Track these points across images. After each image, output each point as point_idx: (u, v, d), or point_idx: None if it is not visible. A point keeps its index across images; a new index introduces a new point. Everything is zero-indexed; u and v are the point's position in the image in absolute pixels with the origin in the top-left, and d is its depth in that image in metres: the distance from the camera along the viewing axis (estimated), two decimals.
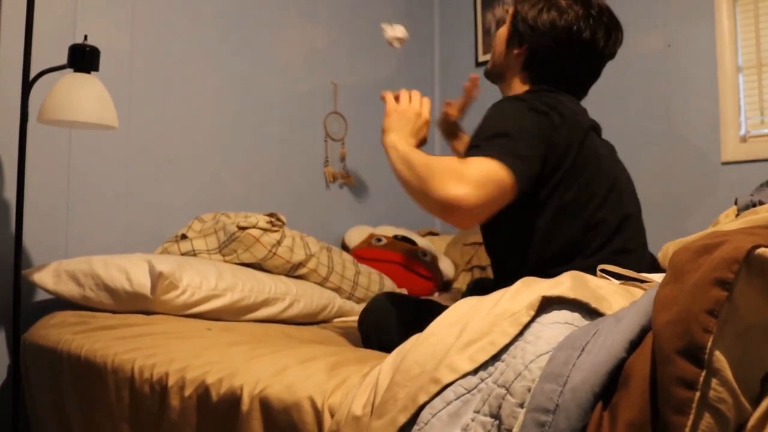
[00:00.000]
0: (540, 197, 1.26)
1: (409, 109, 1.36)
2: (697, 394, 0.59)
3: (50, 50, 1.71)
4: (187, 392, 1.10)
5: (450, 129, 1.86)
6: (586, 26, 1.36)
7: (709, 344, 0.59)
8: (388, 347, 1.01)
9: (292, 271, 1.85)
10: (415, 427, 0.75)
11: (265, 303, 1.67)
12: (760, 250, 0.61)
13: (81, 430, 1.35)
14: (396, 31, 1.60)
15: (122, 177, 1.99)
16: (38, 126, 1.68)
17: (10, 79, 1.70)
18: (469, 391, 0.75)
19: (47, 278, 1.63)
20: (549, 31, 1.37)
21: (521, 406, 0.70)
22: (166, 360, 1.19)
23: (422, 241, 2.50)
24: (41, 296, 1.80)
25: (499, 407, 0.71)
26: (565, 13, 1.36)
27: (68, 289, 1.61)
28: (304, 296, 1.76)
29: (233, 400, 1.02)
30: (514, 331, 0.78)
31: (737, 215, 1.24)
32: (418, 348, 0.84)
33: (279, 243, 1.81)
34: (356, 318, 1.58)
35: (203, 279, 1.59)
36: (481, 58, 2.97)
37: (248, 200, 2.28)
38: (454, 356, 0.78)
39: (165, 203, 2.08)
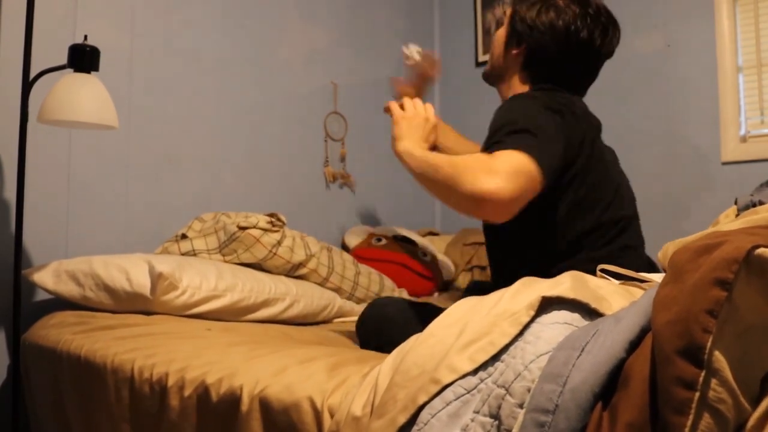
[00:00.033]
0: (554, 193, 1.25)
1: (417, 116, 1.38)
2: (697, 394, 0.59)
3: (50, 50, 1.71)
4: (187, 392, 1.10)
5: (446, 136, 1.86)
6: (584, 26, 1.37)
7: (709, 344, 0.59)
8: (387, 351, 1.01)
9: (293, 272, 1.85)
10: (415, 428, 0.75)
11: (265, 303, 1.67)
12: (760, 251, 0.61)
13: (81, 430, 1.35)
14: (413, 53, 1.82)
15: (122, 177, 1.99)
16: (38, 126, 1.68)
17: (10, 79, 1.70)
18: (468, 392, 0.75)
19: (47, 278, 1.63)
20: (548, 31, 1.38)
21: (521, 406, 0.70)
22: (165, 360, 1.19)
23: (422, 241, 2.50)
24: (41, 296, 1.80)
25: (499, 407, 0.71)
26: (564, 12, 1.37)
27: (68, 289, 1.61)
28: (304, 296, 1.76)
29: (233, 400, 1.02)
30: (514, 331, 0.78)
31: (737, 215, 1.23)
32: (417, 348, 0.84)
33: (279, 243, 1.81)
34: (356, 318, 1.58)
35: (203, 279, 1.59)
36: (481, 58, 2.97)
37: (248, 200, 2.28)
38: (453, 356, 0.78)
39: (165, 203, 2.08)
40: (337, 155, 2.63)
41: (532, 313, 0.79)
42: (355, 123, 2.68)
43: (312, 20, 2.58)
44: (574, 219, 1.30)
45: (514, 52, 1.44)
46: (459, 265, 2.52)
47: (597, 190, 1.32)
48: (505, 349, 0.76)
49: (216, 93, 2.24)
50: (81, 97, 1.49)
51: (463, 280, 2.48)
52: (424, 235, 2.70)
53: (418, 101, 1.42)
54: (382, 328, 1.32)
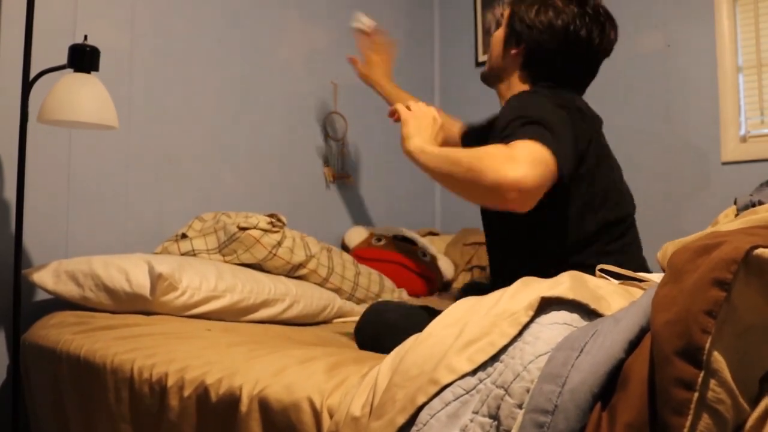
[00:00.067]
0: (563, 192, 1.25)
1: (426, 115, 1.38)
2: (696, 395, 0.59)
3: (50, 50, 1.71)
4: (187, 392, 1.10)
5: (378, 77, 2.14)
6: (583, 25, 1.38)
7: (708, 345, 0.59)
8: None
9: (292, 272, 1.85)
10: (414, 428, 0.75)
11: (265, 304, 1.67)
12: (759, 251, 0.61)
13: (80, 430, 1.35)
14: (361, 19, 2.11)
15: (122, 177, 1.99)
16: (38, 126, 1.68)
17: (10, 79, 1.70)
18: (467, 392, 0.75)
19: (47, 278, 1.63)
20: (547, 30, 1.38)
21: (520, 406, 0.70)
22: (165, 360, 1.19)
23: (422, 241, 2.50)
24: (41, 296, 1.80)
25: (498, 408, 0.71)
26: (562, 12, 1.38)
27: (68, 289, 1.61)
28: (303, 297, 1.76)
29: (232, 400, 1.02)
30: (513, 331, 0.78)
31: (736, 215, 1.24)
32: (416, 348, 0.84)
33: (279, 244, 1.81)
34: (356, 318, 1.57)
35: (203, 280, 1.59)
36: (481, 58, 2.97)
37: (248, 200, 2.28)
38: (452, 357, 0.78)
39: (165, 203, 2.08)
40: (337, 155, 2.63)
41: (531, 313, 0.79)
42: (355, 123, 2.68)
43: (312, 20, 2.58)
44: (582, 218, 1.30)
45: (513, 51, 1.45)
46: (459, 265, 2.52)
47: (604, 187, 1.33)
48: (504, 349, 0.77)
49: (216, 93, 2.24)
50: (81, 97, 1.49)
51: (462, 280, 2.48)
52: (424, 235, 2.70)
53: (422, 103, 1.44)
54: (380, 334, 1.32)
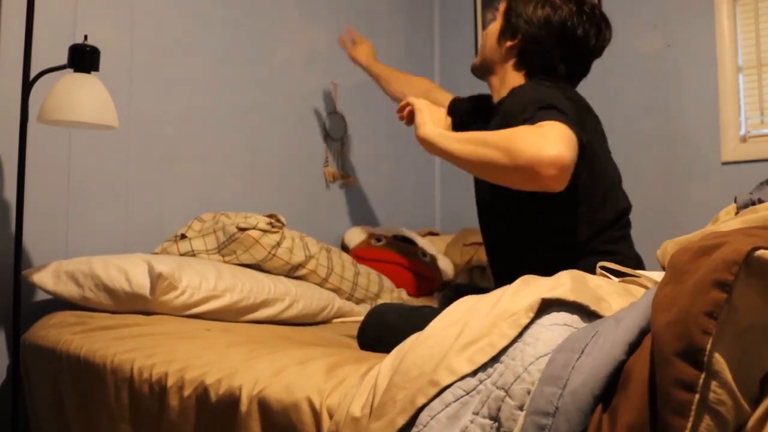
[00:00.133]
0: (568, 190, 1.25)
1: (438, 108, 1.40)
2: (697, 396, 0.59)
3: (50, 50, 1.71)
4: (186, 392, 1.10)
5: (365, 56, 2.21)
6: (579, 23, 1.39)
7: (709, 346, 0.59)
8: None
9: (292, 272, 1.85)
10: (414, 429, 0.75)
11: (265, 304, 1.67)
12: (760, 252, 0.61)
13: (80, 430, 1.35)
14: None
15: (122, 177, 1.99)
16: (38, 126, 1.68)
17: (10, 79, 1.70)
18: (467, 393, 0.75)
19: (47, 279, 1.63)
20: (543, 26, 1.40)
21: (520, 408, 0.70)
22: (165, 360, 1.19)
23: (422, 241, 2.50)
24: (41, 296, 1.80)
25: (498, 409, 0.71)
26: (560, 9, 1.39)
27: (68, 289, 1.61)
28: (303, 297, 1.76)
29: (232, 400, 1.02)
30: (513, 332, 0.78)
31: (737, 213, 1.24)
32: (416, 349, 0.84)
33: (278, 244, 1.81)
34: (355, 318, 1.58)
35: (202, 280, 1.59)
36: None
37: (248, 200, 2.27)
38: (452, 358, 0.77)
39: (165, 203, 2.08)
40: (337, 155, 2.63)
41: (532, 315, 0.79)
42: (355, 123, 2.68)
43: (312, 20, 2.57)
44: (592, 212, 1.32)
45: (509, 44, 1.46)
46: (459, 265, 2.52)
47: (607, 176, 1.35)
48: (505, 350, 0.76)
49: (216, 93, 2.24)
50: (81, 97, 1.49)
51: (463, 281, 2.47)
52: (424, 235, 2.70)
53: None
54: (382, 336, 1.32)
